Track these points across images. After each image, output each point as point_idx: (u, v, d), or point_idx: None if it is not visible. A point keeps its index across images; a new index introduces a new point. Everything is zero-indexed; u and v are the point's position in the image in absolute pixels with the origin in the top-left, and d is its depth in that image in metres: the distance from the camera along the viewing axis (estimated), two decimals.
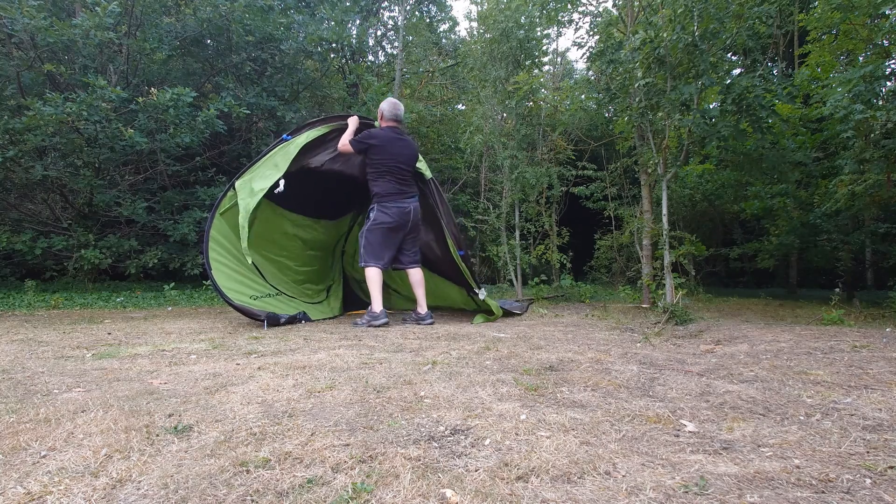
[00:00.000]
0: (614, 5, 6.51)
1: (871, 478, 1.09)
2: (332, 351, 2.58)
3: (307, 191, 4.24)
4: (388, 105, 3.88)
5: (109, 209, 6.62)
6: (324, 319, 4.28)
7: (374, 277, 3.73)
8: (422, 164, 4.12)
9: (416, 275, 3.93)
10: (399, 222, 3.78)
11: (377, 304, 3.68)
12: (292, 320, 3.81)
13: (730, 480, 1.09)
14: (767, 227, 7.61)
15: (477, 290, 4.14)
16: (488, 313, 4.28)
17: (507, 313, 4.49)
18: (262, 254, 4.16)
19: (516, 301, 5.83)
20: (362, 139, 3.77)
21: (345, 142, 3.79)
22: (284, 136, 3.89)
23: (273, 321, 3.58)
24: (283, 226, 4.38)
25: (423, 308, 3.88)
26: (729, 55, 6.34)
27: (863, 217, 6.63)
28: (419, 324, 3.79)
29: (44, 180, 6.07)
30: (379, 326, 3.58)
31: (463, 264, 4.01)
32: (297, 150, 3.78)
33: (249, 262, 3.71)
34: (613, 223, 8.70)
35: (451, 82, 11.78)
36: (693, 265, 6.76)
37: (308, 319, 4.00)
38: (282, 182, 3.71)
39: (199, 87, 7.62)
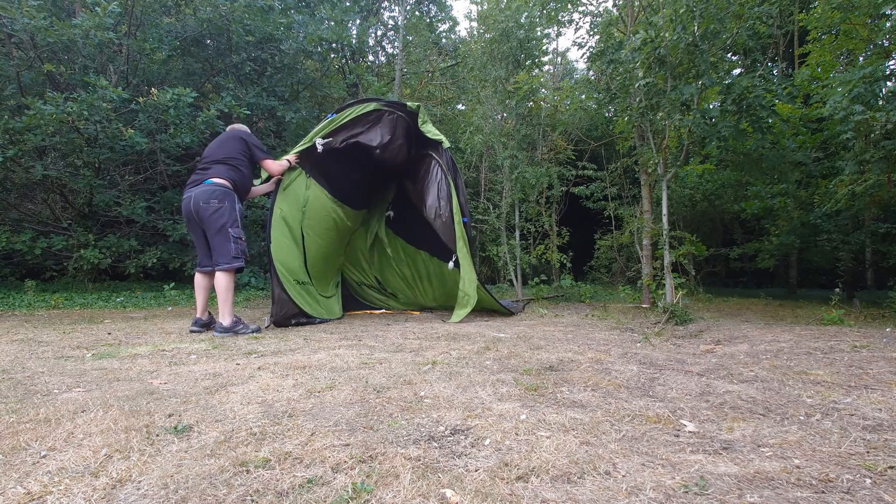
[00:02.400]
0: (614, 5, 6.52)
1: (871, 478, 1.09)
2: (332, 351, 2.58)
3: (341, 175, 4.41)
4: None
5: (109, 209, 6.62)
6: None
7: (195, 283, 3.47)
8: (439, 136, 4.30)
9: (199, 280, 3.50)
10: (184, 215, 3.42)
11: (198, 310, 3.42)
12: (308, 322, 3.85)
13: (730, 480, 1.09)
14: (767, 226, 7.62)
15: (452, 261, 4.21)
16: (487, 309, 4.34)
17: (496, 312, 4.53)
18: (310, 234, 4.27)
19: (514, 301, 5.84)
20: None
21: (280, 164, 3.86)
22: (329, 115, 4.13)
23: (281, 321, 3.54)
24: (327, 208, 4.48)
25: (201, 314, 3.45)
26: (729, 55, 6.34)
27: (863, 217, 6.63)
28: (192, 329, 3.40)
29: (44, 180, 6.07)
30: (191, 332, 3.29)
31: (462, 228, 4.10)
32: (333, 125, 4.03)
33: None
34: (613, 223, 8.71)
35: (451, 82, 11.78)
36: (693, 265, 6.76)
37: (312, 321, 4.01)
38: (319, 143, 3.95)
39: (199, 88, 7.61)
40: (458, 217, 4.16)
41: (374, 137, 4.19)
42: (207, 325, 3.40)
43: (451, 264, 4.30)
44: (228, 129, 3.71)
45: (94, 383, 1.89)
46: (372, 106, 4.19)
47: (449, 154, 4.36)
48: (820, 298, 7.02)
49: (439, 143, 4.33)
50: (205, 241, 3.42)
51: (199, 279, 3.45)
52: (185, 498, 1.00)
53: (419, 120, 4.36)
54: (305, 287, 4.16)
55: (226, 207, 3.32)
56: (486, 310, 5.08)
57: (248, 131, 3.71)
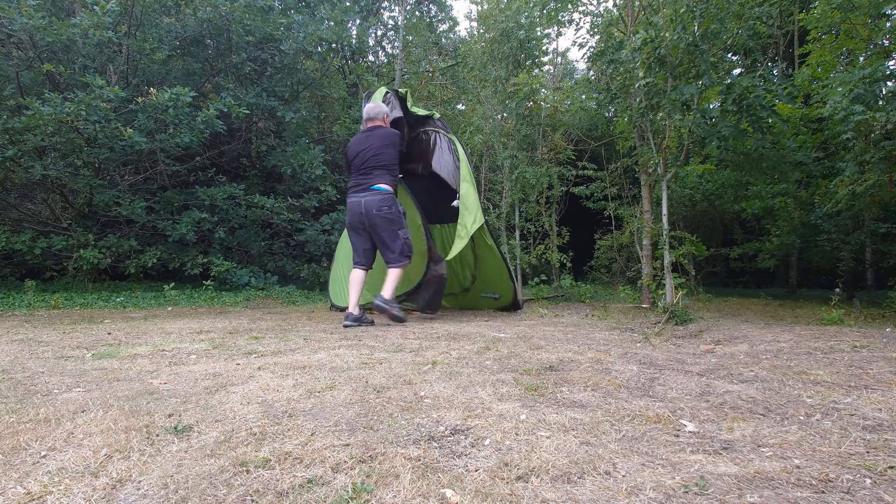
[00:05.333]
0: (615, 5, 6.52)
1: (871, 478, 1.09)
2: (332, 351, 2.58)
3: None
4: (364, 110, 3.94)
5: (109, 209, 6.62)
6: (322, 320, 4.28)
7: (350, 279, 3.68)
8: (428, 111, 4.60)
9: (358, 276, 3.65)
10: (352, 218, 3.64)
11: (350, 305, 3.58)
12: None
13: (730, 480, 1.09)
14: (768, 227, 7.62)
15: (456, 200, 4.32)
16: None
17: (495, 310, 4.63)
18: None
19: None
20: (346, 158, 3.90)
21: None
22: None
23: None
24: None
25: (353, 308, 3.60)
26: (729, 55, 6.34)
27: (863, 217, 6.63)
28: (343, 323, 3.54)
29: (43, 180, 6.07)
30: (346, 327, 3.43)
31: (468, 166, 4.27)
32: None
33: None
34: (613, 223, 8.70)
35: (451, 82, 11.77)
36: (693, 265, 6.76)
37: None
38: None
39: (199, 87, 7.61)
40: (463, 158, 4.28)
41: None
42: (359, 319, 3.47)
43: (455, 202, 4.37)
44: (381, 129, 3.76)
45: (94, 383, 1.89)
46: (384, 89, 4.45)
47: (442, 121, 4.66)
48: (820, 298, 7.02)
49: (430, 116, 4.61)
50: (369, 242, 3.65)
51: (358, 275, 3.64)
52: (185, 498, 1.00)
53: (408, 103, 4.55)
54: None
55: (394, 212, 3.58)
56: (485, 310, 5.08)
57: (399, 134, 3.85)
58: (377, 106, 3.85)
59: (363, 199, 3.55)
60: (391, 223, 3.56)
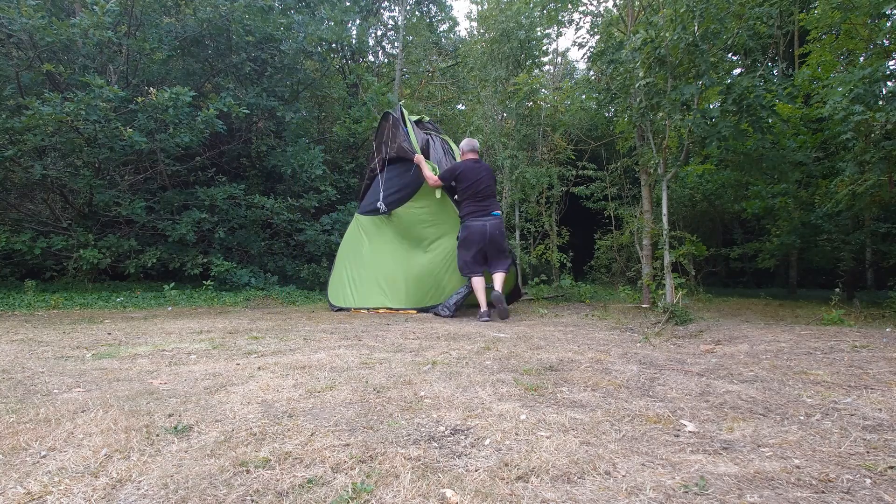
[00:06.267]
0: (615, 5, 6.52)
1: (871, 478, 1.09)
2: (332, 351, 2.58)
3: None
4: (465, 143, 4.71)
5: (109, 209, 6.61)
6: (322, 320, 4.28)
7: (476, 285, 4.34)
8: (419, 115, 5.50)
9: (482, 281, 4.38)
10: (473, 237, 4.37)
11: (483, 304, 4.29)
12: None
13: (730, 480, 1.09)
14: (768, 227, 7.61)
15: None
16: None
17: None
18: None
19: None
20: (449, 173, 4.56)
21: (435, 179, 4.56)
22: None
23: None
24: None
25: (485, 307, 4.35)
26: (729, 55, 6.33)
27: (863, 217, 6.62)
28: (479, 319, 4.23)
29: (43, 180, 6.07)
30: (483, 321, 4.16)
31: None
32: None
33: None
34: (613, 223, 8.69)
35: (451, 82, 11.76)
36: (693, 265, 6.75)
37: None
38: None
39: (199, 87, 7.61)
40: (458, 155, 4.93)
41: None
42: (488, 313, 4.24)
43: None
44: (485, 164, 4.66)
45: (94, 383, 1.89)
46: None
47: (432, 122, 5.31)
48: (820, 298, 7.02)
49: (420, 119, 5.31)
50: (480, 253, 4.38)
51: (482, 281, 4.35)
52: (185, 498, 1.00)
53: (404, 117, 5.06)
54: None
55: (504, 233, 4.50)
56: None
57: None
58: (476, 142, 4.74)
59: (488, 223, 4.39)
60: (503, 237, 4.47)
